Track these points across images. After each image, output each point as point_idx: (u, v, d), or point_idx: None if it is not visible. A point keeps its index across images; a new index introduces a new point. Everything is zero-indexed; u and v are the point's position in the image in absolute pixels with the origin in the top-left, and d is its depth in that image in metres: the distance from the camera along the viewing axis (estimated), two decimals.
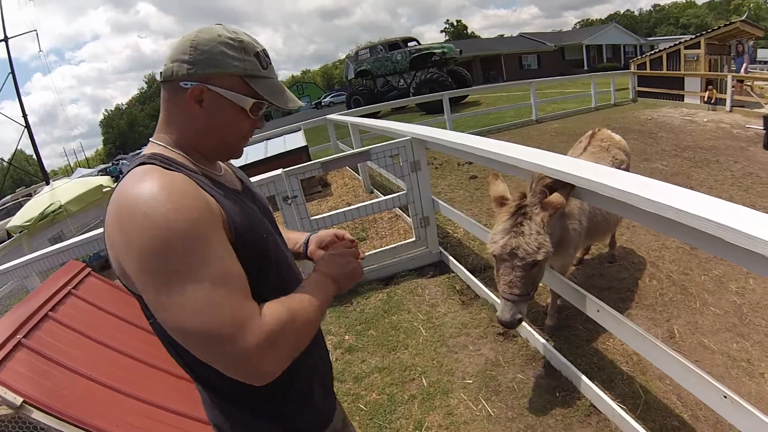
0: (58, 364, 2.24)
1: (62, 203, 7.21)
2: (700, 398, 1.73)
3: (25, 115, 23.00)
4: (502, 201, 2.29)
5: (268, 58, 1.08)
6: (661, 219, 1.45)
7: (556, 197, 2.07)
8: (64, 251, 3.45)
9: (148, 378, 2.55)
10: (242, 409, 1.11)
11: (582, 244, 3.08)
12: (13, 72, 22.62)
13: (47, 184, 19.92)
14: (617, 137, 3.67)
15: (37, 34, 25.85)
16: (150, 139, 1.08)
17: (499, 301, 3.39)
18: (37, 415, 1.83)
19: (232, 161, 1.26)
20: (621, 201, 1.59)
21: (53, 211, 7.14)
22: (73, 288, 2.84)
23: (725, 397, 1.57)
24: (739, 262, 1.29)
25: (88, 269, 3.09)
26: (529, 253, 2.07)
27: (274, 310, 0.91)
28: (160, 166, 0.94)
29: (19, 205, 12.57)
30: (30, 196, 17.45)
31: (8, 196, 22.84)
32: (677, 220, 1.38)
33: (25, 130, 22.81)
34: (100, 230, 3.46)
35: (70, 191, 7.71)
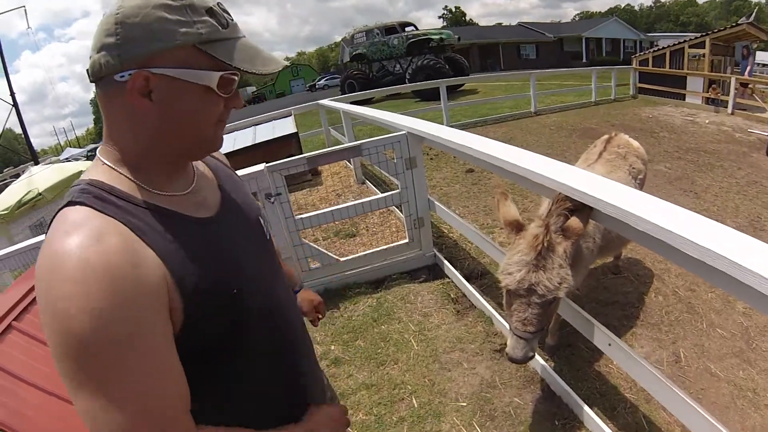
0: (23, 382, 2.01)
1: (40, 191, 6.95)
2: None
3: (12, 93, 22.22)
4: (518, 226, 2.00)
5: (227, 12, 0.81)
6: (704, 266, 1.23)
7: (576, 223, 1.82)
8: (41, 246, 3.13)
9: None
10: None
11: (593, 261, 2.86)
12: (0, 48, 21.71)
13: (36, 164, 19.37)
14: (635, 144, 3.42)
15: (25, 10, 24.87)
16: (97, 152, 0.84)
17: (496, 314, 3.24)
18: None
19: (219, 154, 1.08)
20: (657, 238, 1.36)
21: (31, 199, 6.89)
22: None
23: None
24: None
25: None
26: (550, 290, 1.81)
27: None
28: (93, 207, 0.73)
29: (5, 187, 12.20)
30: (18, 176, 16.97)
31: None
32: (728, 273, 1.15)
33: (13, 108, 22.05)
34: None
35: (48, 178, 7.45)
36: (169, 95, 0.76)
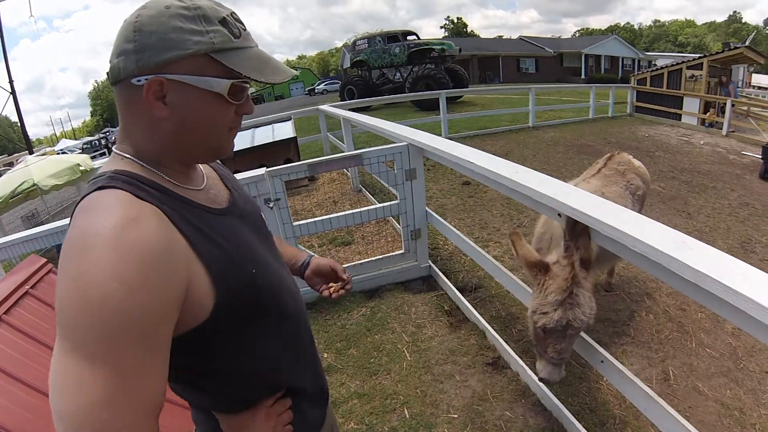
0: (12, 378, 2.00)
1: (36, 182, 6.83)
2: None
3: (11, 81, 22.01)
4: (543, 266, 2.03)
5: (241, 22, 0.84)
6: (699, 289, 1.27)
7: (590, 254, 1.92)
8: (36, 238, 3.13)
9: None
10: None
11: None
12: (1, 35, 21.52)
13: (30, 153, 19.24)
14: (636, 163, 3.48)
15: None
16: (113, 149, 0.86)
17: (489, 327, 3.25)
18: None
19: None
20: (654, 261, 1.39)
21: (25, 189, 6.77)
22: (32, 287, 2.57)
23: None
24: None
25: (50, 265, 2.81)
26: (584, 321, 1.94)
27: None
28: (129, 192, 0.75)
29: None
30: (11, 165, 16.83)
31: None
32: (721, 297, 1.19)
33: (10, 96, 21.86)
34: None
35: (45, 169, 7.29)
36: (181, 100, 0.78)
